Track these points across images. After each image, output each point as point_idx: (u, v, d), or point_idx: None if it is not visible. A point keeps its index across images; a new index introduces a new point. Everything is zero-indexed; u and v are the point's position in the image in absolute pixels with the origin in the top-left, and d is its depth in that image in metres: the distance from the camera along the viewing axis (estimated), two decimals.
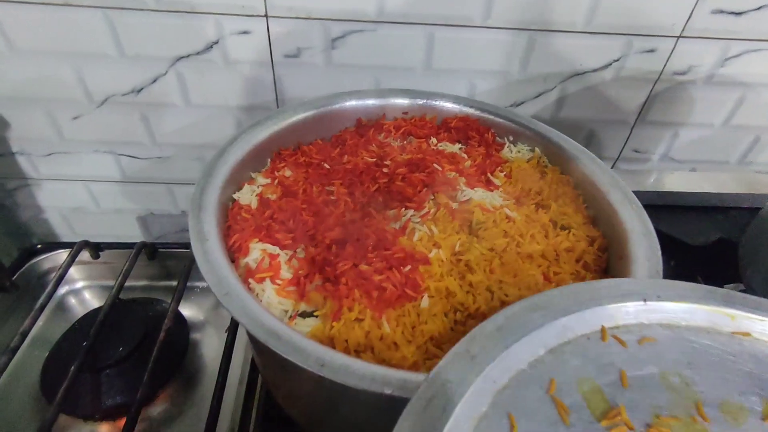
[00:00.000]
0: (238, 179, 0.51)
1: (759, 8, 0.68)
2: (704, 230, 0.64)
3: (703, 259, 0.60)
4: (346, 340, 0.36)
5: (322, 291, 0.39)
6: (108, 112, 0.77)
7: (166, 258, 0.76)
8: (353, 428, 0.43)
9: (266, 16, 0.68)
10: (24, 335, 0.55)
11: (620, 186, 0.50)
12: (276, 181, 0.51)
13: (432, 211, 0.48)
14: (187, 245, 0.78)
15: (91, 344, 0.53)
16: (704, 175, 0.84)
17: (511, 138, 0.62)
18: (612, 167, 0.88)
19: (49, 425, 0.47)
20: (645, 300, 0.31)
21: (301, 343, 0.32)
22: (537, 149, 0.60)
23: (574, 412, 0.26)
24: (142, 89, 0.75)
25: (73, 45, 0.69)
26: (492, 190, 0.52)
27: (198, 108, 0.78)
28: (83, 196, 0.90)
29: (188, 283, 0.65)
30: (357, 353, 0.36)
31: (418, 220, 0.47)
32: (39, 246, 0.74)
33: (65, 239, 0.96)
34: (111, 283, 0.65)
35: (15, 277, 0.70)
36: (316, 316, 0.39)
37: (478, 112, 0.63)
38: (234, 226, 0.45)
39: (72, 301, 0.75)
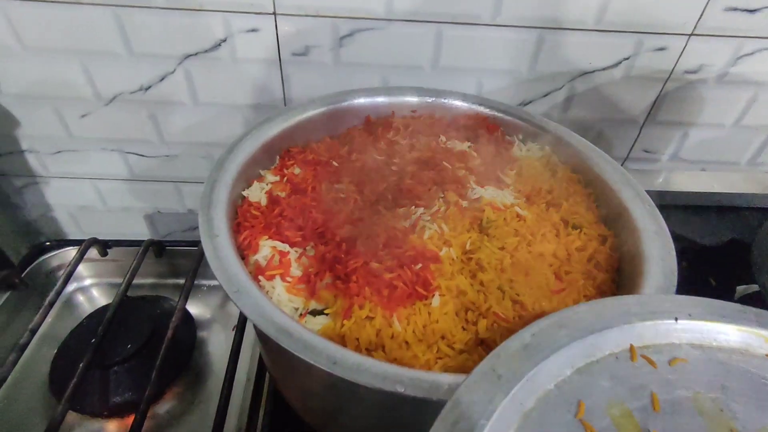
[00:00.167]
0: (247, 176, 0.51)
1: None
2: (716, 231, 0.64)
3: (715, 260, 0.60)
4: (357, 339, 0.36)
5: (332, 289, 0.39)
6: (116, 110, 0.77)
7: (174, 256, 0.76)
8: (362, 426, 0.43)
9: (274, 14, 0.68)
10: (33, 332, 0.55)
11: (632, 184, 0.50)
12: (285, 178, 0.51)
13: (442, 209, 0.48)
14: (195, 243, 0.79)
15: (100, 342, 0.53)
16: (714, 175, 0.83)
17: (520, 136, 0.61)
18: None
19: (58, 422, 0.47)
20: (676, 318, 0.30)
21: (313, 340, 0.32)
22: (547, 147, 0.59)
23: None
24: (150, 87, 0.75)
25: (82, 43, 0.69)
26: (502, 189, 0.52)
27: (205, 106, 0.78)
28: (91, 194, 0.90)
29: (195, 281, 0.65)
30: (368, 352, 0.35)
31: (428, 218, 0.47)
32: (48, 243, 0.75)
33: (73, 237, 0.96)
34: (119, 280, 0.65)
35: (24, 274, 0.70)
36: (327, 314, 0.39)
37: (487, 110, 0.62)
38: (244, 223, 0.45)
39: (80, 298, 0.75)
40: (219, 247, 0.38)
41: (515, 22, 0.69)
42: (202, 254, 0.56)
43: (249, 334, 0.63)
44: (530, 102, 0.78)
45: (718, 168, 0.88)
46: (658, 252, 0.41)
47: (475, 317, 0.39)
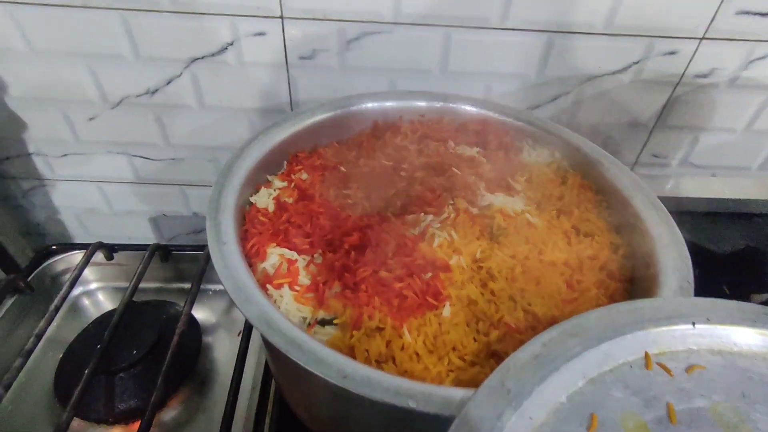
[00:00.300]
0: (254, 181, 0.50)
1: None
2: (729, 238, 0.63)
3: (728, 267, 0.58)
4: (367, 350, 0.35)
5: (341, 298, 0.39)
6: (122, 114, 0.77)
7: (179, 260, 0.76)
8: None
9: (281, 17, 0.68)
10: (39, 337, 0.55)
11: (645, 191, 0.49)
12: (293, 184, 0.51)
13: (452, 216, 0.47)
14: (200, 247, 0.78)
15: (105, 347, 0.53)
16: (725, 181, 0.82)
17: (530, 142, 0.60)
18: None
19: (63, 430, 0.47)
20: (693, 323, 0.28)
21: (323, 353, 0.31)
22: (557, 153, 0.58)
23: None
24: (156, 91, 0.75)
25: (89, 46, 0.69)
26: (513, 195, 0.51)
27: (212, 110, 0.77)
28: (97, 197, 0.90)
29: (201, 286, 0.64)
30: (378, 364, 0.35)
31: (438, 225, 0.46)
32: (54, 247, 0.75)
33: (79, 240, 0.96)
34: (124, 284, 0.65)
35: (30, 278, 0.70)
36: (335, 324, 0.38)
37: (496, 115, 0.62)
38: (251, 229, 0.44)
39: (86, 302, 0.75)
40: (227, 255, 0.38)
41: (524, 26, 0.68)
42: (207, 258, 0.56)
43: (255, 340, 0.63)
44: (538, 106, 0.77)
45: (729, 173, 0.87)
46: (673, 262, 0.40)
47: (487, 328, 0.38)
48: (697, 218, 0.69)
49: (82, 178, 0.87)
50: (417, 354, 0.35)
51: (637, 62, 0.73)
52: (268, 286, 0.39)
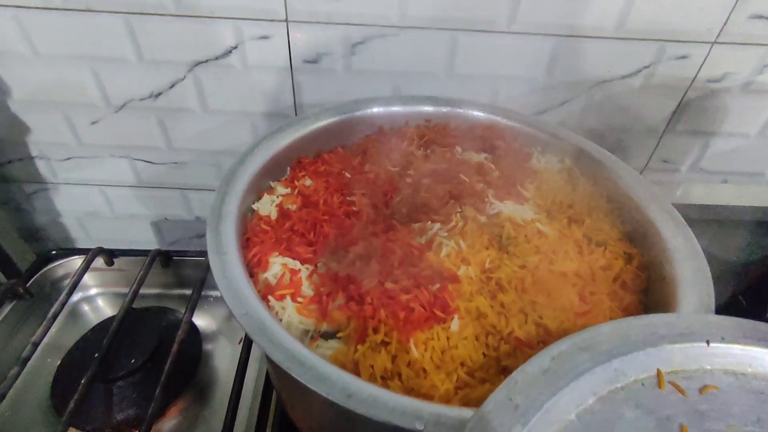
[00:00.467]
0: (257, 188, 0.49)
1: None
2: (744, 247, 0.61)
3: (744, 278, 0.57)
4: (372, 366, 0.34)
5: (345, 310, 0.37)
6: (126, 117, 0.77)
7: (181, 266, 0.75)
8: None
9: (286, 21, 0.67)
10: (36, 345, 0.54)
11: (659, 199, 0.47)
12: (296, 190, 0.50)
13: (460, 224, 0.46)
14: (202, 253, 0.77)
15: (104, 355, 0.52)
16: (736, 188, 0.80)
17: (539, 148, 0.59)
18: None
19: None
20: (708, 341, 0.27)
21: (326, 370, 0.30)
22: (567, 160, 0.57)
23: None
24: (160, 94, 0.74)
25: (93, 50, 0.69)
26: (522, 203, 0.49)
27: (215, 114, 0.77)
28: (99, 200, 0.89)
29: (202, 293, 0.63)
30: (384, 380, 0.33)
31: (445, 234, 0.45)
32: (54, 252, 0.74)
33: (81, 244, 0.96)
34: (125, 290, 0.64)
35: (29, 283, 0.69)
36: (339, 338, 0.37)
37: (504, 120, 0.60)
38: (253, 238, 0.43)
39: (85, 308, 0.74)
40: (227, 265, 0.36)
41: (531, 29, 0.67)
42: (209, 265, 0.55)
43: (256, 349, 0.61)
44: (546, 111, 0.76)
45: (741, 180, 0.85)
46: (692, 275, 0.38)
47: (497, 342, 0.37)
48: (708, 225, 0.68)
49: (84, 182, 0.87)
50: (424, 370, 0.34)
51: (648, 66, 0.71)
52: (270, 297, 0.38)
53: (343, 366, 0.32)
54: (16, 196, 0.87)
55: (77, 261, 0.70)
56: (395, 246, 0.41)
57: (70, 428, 0.48)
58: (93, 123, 0.78)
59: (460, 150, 0.58)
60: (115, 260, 0.71)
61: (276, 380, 0.47)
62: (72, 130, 0.79)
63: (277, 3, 0.64)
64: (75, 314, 0.72)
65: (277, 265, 0.40)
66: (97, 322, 0.65)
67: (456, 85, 0.72)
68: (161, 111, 0.76)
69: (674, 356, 0.27)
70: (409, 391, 0.32)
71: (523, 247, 0.44)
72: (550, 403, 0.24)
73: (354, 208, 0.48)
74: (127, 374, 0.56)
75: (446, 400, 0.32)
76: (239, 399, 0.51)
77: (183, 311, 0.60)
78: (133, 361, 0.56)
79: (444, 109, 0.62)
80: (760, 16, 0.66)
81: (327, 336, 0.37)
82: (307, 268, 0.41)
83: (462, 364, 0.35)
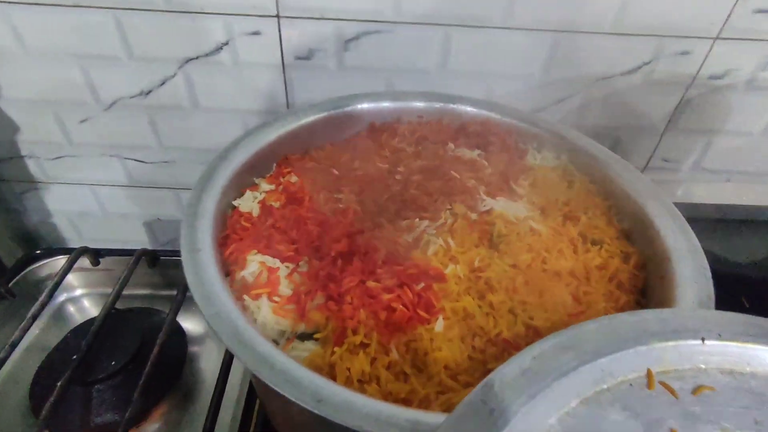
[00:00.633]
0: (240, 185, 0.48)
1: None
2: (747, 247, 0.59)
3: (747, 279, 0.55)
4: (349, 369, 0.32)
5: (324, 310, 0.35)
6: (116, 115, 0.76)
7: (168, 266, 0.73)
8: None
9: (278, 16, 0.66)
10: (13, 346, 0.52)
11: (659, 197, 0.45)
12: (281, 187, 0.48)
13: (449, 222, 0.44)
14: None
15: (82, 357, 0.50)
16: (740, 187, 0.78)
17: (534, 144, 0.57)
18: None
19: None
20: (703, 339, 0.25)
21: (297, 373, 0.28)
22: (563, 156, 0.55)
23: None
24: (150, 92, 0.73)
25: (82, 47, 0.68)
26: (515, 200, 0.48)
27: (206, 111, 0.76)
28: (90, 200, 0.88)
29: (188, 293, 0.61)
30: (361, 384, 0.31)
31: (434, 231, 0.43)
32: (38, 252, 0.73)
33: (73, 245, 0.95)
34: (111, 290, 0.62)
35: (12, 283, 0.67)
36: (317, 339, 0.35)
37: (498, 116, 0.58)
38: (232, 235, 0.41)
39: (71, 308, 0.73)
40: (200, 263, 0.35)
41: (528, 25, 0.66)
42: None
43: None
44: (544, 108, 0.74)
45: (745, 179, 0.83)
46: (691, 274, 0.36)
47: (483, 344, 0.35)
48: (710, 225, 0.66)
49: (75, 181, 0.86)
50: (404, 373, 0.32)
51: (648, 63, 0.69)
52: (245, 296, 0.36)
53: (318, 369, 0.31)
54: (6, 195, 0.86)
55: (62, 261, 0.69)
56: (380, 244, 0.40)
57: (46, 431, 0.47)
58: (83, 121, 0.77)
59: (452, 146, 0.56)
60: (101, 260, 0.70)
61: (255, 384, 0.46)
62: (62, 128, 0.78)
63: None
64: (60, 315, 0.71)
65: (254, 263, 0.39)
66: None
67: (451, 82, 0.71)
68: (152, 109, 0.75)
69: (666, 355, 0.25)
70: (387, 396, 0.30)
71: (515, 246, 0.42)
72: (529, 406, 0.22)
73: (341, 206, 0.46)
74: (106, 377, 0.54)
75: (426, 405, 0.30)
76: (220, 404, 0.49)
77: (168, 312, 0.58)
78: (113, 363, 0.55)
79: (437, 105, 0.60)
80: (764, 11, 0.64)
81: (303, 338, 0.35)
82: (288, 267, 0.39)
83: (445, 367, 0.33)
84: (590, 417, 0.23)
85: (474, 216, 0.45)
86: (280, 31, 0.67)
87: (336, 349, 0.33)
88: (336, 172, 0.51)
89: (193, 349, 0.66)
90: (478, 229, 0.43)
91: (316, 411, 0.26)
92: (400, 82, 0.70)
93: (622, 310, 0.39)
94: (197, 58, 0.69)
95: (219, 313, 0.31)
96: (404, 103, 0.60)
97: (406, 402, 0.30)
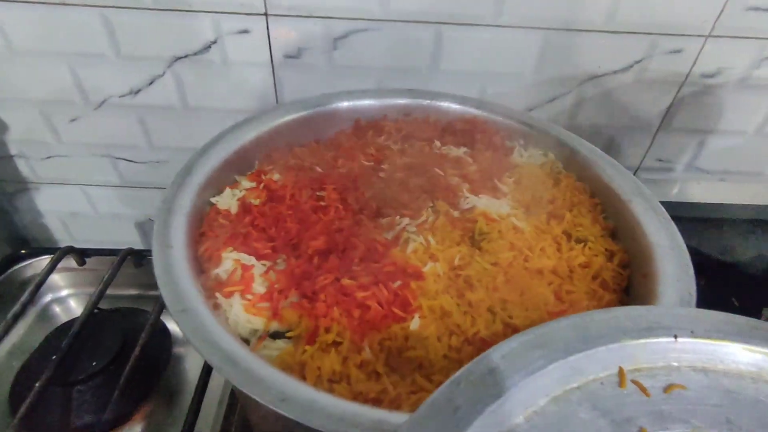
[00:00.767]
0: (221, 182, 0.47)
1: None
2: (739, 246, 0.58)
3: (738, 278, 0.54)
4: (319, 368, 0.31)
5: (298, 308, 0.35)
6: (105, 115, 0.75)
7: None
8: None
9: (266, 14, 0.65)
10: None
11: (644, 194, 0.45)
12: (262, 184, 0.47)
13: (430, 219, 0.43)
14: None
15: (62, 357, 0.50)
16: (735, 186, 0.77)
17: (521, 142, 0.56)
18: None
19: None
20: (676, 336, 0.25)
21: (261, 372, 0.27)
22: (550, 154, 0.54)
23: None
24: (139, 91, 0.73)
25: (69, 45, 0.67)
26: (499, 198, 0.47)
27: (196, 111, 0.75)
28: (81, 200, 0.88)
29: None
30: (331, 383, 0.31)
31: (414, 229, 0.42)
32: (24, 252, 0.72)
33: (64, 245, 0.94)
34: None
35: None
36: (290, 338, 0.34)
37: (485, 114, 0.58)
38: (208, 233, 0.41)
39: (56, 309, 0.72)
40: (171, 259, 0.34)
41: (519, 23, 0.65)
42: None
43: None
44: (536, 107, 0.74)
45: (739, 179, 0.82)
46: (673, 271, 0.36)
47: (460, 343, 0.34)
48: (705, 225, 0.65)
49: (66, 181, 0.85)
50: (376, 373, 0.31)
51: (640, 61, 0.69)
52: (218, 294, 0.36)
53: (289, 368, 0.30)
54: None
55: (47, 261, 0.68)
56: (358, 241, 0.39)
57: None
58: (72, 120, 0.76)
59: (439, 144, 0.55)
60: (87, 260, 0.69)
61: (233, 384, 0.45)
62: (51, 128, 0.77)
63: None
64: (45, 316, 0.71)
65: (229, 261, 0.38)
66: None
67: (442, 81, 0.70)
68: (141, 108, 0.75)
69: (638, 352, 0.24)
70: (357, 396, 0.29)
71: (497, 243, 0.41)
72: (496, 405, 0.22)
73: (322, 203, 0.46)
74: (87, 378, 0.53)
75: (396, 405, 0.30)
76: (201, 405, 0.48)
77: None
78: (94, 364, 0.54)
79: (424, 102, 0.59)
80: (757, 8, 0.64)
81: (276, 336, 0.34)
82: (264, 265, 0.39)
83: (420, 367, 0.32)
84: (558, 416, 0.22)
85: (456, 213, 0.44)
86: (268, 29, 0.67)
87: (307, 347, 0.32)
88: (319, 169, 0.51)
89: (179, 350, 0.65)
90: (460, 227, 0.43)
91: (279, 410, 0.25)
92: (390, 81, 0.70)
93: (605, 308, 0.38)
94: (186, 56, 0.69)
95: (186, 310, 0.31)
96: (388, 100, 0.59)
97: (376, 402, 0.29)
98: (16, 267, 0.69)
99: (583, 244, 0.43)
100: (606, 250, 0.43)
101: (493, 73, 0.70)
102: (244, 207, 0.44)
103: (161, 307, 0.57)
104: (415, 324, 0.34)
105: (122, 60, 0.69)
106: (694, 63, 0.69)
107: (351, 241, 0.39)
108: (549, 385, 0.23)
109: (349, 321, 0.33)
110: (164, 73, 0.71)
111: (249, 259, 0.38)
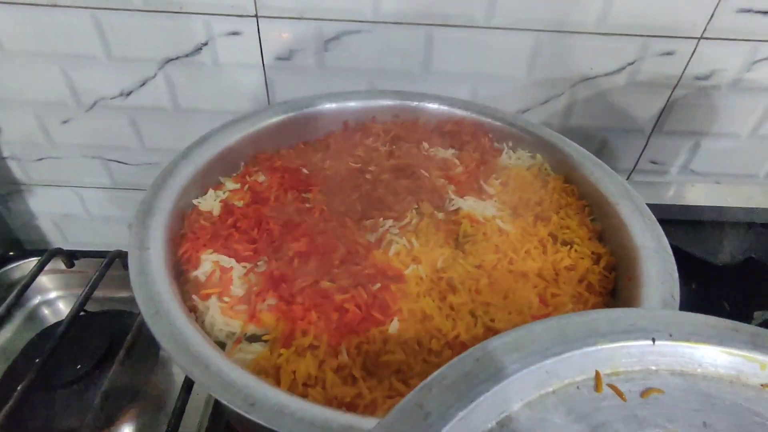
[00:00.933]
0: (204, 184, 0.47)
1: None
2: (730, 248, 0.57)
3: (729, 281, 0.53)
4: (294, 371, 0.30)
5: (275, 311, 0.34)
6: (97, 117, 0.75)
7: None
8: None
9: (256, 16, 0.65)
10: None
11: (632, 197, 0.44)
12: (246, 186, 0.47)
13: (414, 221, 0.43)
14: None
15: (45, 360, 0.49)
16: (729, 189, 0.77)
17: (510, 143, 0.56)
18: (626, 180, 0.82)
19: None
20: (654, 339, 0.24)
21: (231, 375, 0.27)
22: (539, 156, 0.54)
23: None
24: (131, 93, 0.73)
25: (61, 47, 0.67)
26: (485, 200, 0.46)
27: (188, 113, 0.75)
28: (74, 202, 0.88)
29: None
30: (306, 387, 0.30)
31: (397, 231, 0.42)
32: (12, 254, 0.72)
33: (58, 246, 0.94)
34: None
35: None
36: (265, 341, 0.33)
37: (474, 115, 0.57)
38: (188, 234, 0.40)
39: (45, 311, 0.72)
40: (146, 261, 0.34)
41: (511, 25, 0.65)
42: None
43: None
44: (528, 109, 0.73)
45: (734, 181, 0.81)
46: (657, 273, 0.35)
47: (440, 347, 0.33)
48: (697, 228, 0.64)
49: (58, 183, 0.85)
50: (353, 377, 0.31)
51: (632, 63, 0.68)
52: (195, 296, 0.35)
53: (264, 372, 0.29)
54: None
55: (34, 263, 0.68)
56: (339, 243, 0.38)
57: None
58: (64, 122, 0.76)
59: (427, 146, 0.55)
60: (76, 262, 0.69)
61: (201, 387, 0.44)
62: (43, 129, 0.77)
63: None
64: (34, 318, 0.70)
65: (208, 263, 0.38)
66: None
67: (434, 83, 0.70)
68: (133, 110, 0.75)
69: (615, 356, 0.24)
70: (331, 400, 0.29)
71: (481, 246, 0.40)
72: (468, 410, 0.21)
73: (307, 205, 0.45)
74: (71, 381, 0.53)
75: (371, 410, 0.29)
76: (185, 408, 0.48)
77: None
78: (78, 367, 0.54)
79: (412, 104, 0.59)
80: (748, 10, 0.63)
81: (252, 339, 0.34)
82: (244, 267, 0.38)
83: (397, 371, 0.31)
84: (532, 421, 0.22)
85: (441, 215, 0.44)
86: (259, 31, 0.66)
87: (283, 351, 0.32)
88: (306, 171, 0.50)
89: (165, 352, 0.65)
90: (444, 229, 0.42)
91: (247, 415, 0.25)
92: (382, 83, 0.70)
93: None
94: (177, 58, 0.69)
95: (159, 312, 0.30)
96: (376, 102, 0.59)
97: (351, 406, 0.29)
98: (4, 269, 0.69)
99: (569, 246, 0.42)
100: (592, 252, 0.42)
101: (485, 75, 0.70)
102: (227, 208, 0.43)
103: None
104: (393, 327, 0.34)
105: (113, 62, 0.69)
106: (687, 65, 0.68)
107: (332, 243, 0.38)
108: (523, 390, 0.22)
109: (326, 324, 0.33)
110: (156, 74, 0.71)
111: (228, 261, 0.38)
